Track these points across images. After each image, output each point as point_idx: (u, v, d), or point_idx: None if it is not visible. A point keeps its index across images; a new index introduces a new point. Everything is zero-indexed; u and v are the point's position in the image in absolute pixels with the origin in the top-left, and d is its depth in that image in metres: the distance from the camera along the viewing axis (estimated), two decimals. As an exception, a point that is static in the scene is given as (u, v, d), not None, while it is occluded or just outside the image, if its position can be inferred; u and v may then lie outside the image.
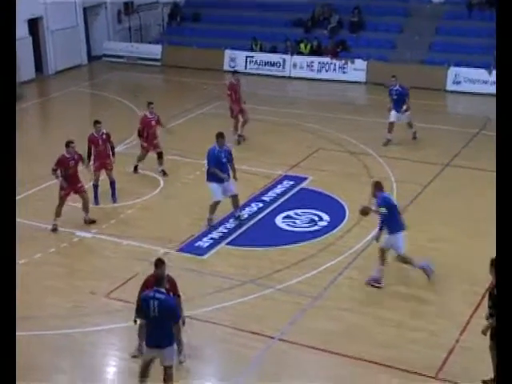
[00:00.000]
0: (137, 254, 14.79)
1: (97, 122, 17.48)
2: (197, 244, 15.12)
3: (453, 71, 26.46)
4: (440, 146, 20.44)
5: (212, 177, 15.61)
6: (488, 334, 9.92)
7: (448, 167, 18.81)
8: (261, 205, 16.91)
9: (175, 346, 10.52)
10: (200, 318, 12.45)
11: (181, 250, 14.91)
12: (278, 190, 17.74)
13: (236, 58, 29.95)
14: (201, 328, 12.28)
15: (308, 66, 28.81)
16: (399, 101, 20.14)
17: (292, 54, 29.26)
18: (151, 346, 10.21)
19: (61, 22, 30.34)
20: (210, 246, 15.01)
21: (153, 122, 18.69)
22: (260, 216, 16.36)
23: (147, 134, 18.63)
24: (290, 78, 28.90)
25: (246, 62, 29.77)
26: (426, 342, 11.60)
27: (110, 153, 17.43)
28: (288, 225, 15.95)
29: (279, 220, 16.16)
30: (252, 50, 30.14)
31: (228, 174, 15.62)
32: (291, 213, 16.48)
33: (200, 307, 12.74)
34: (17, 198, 17.33)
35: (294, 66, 29.00)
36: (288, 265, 14.11)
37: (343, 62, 28.32)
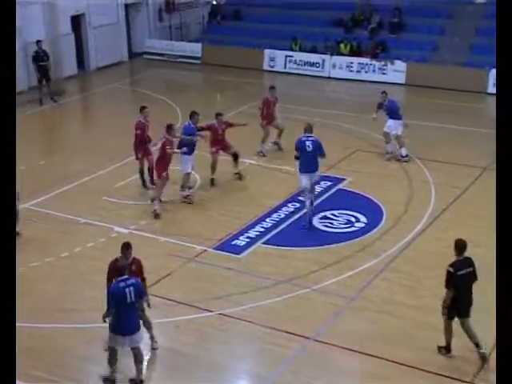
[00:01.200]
0: (174, 251, 14.88)
1: (144, 108, 17.70)
2: (233, 242, 15.16)
3: (494, 73, 26.16)
4: (480, 149, 20.22)
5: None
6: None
7: (487, 171, 18.61)
8: (297, 205, 16.88)
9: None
10: (236, 316, 12.51)
11: (217, 248, 14.96)
12: (316, 190, 17.67)
13: (275, 58, 29.93)
14: (236, 326, 12.34)
15: (347, 66, 28.70)
16: (392, 113, 19.80)
17: (332, 55, 29.17)
18: (127, 333, 10.50)
19: (103, 18, 30.58)
20: (247, 245, 15.04)
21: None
22: (297, 216, 16.35)
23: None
24: (329, 78, 28.81)
25: (286, 61, 29.74)
26: (464, 346, 11.49)
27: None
28: (325, 225, 15.93)
29: (316, 220, 16.13)
30: (292, 49, 30.11)
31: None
32: (328, 213, 16.45)
33: (236, 305, 12.80)
34: (57, 191, 17.74)
35: (334, 66, 28.92)
36: (324, 265, 14.09)
37: (383, 63, 28.15)
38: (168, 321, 12.52)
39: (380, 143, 20.66)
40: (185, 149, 16.82)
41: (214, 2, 34.41)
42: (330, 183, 18.08)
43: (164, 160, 16.50)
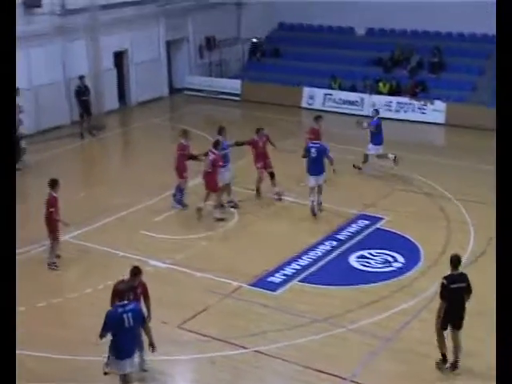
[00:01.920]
0: (209, 286, 14.89)
1: (186, 131, 19.46)
2: (269, 279, 15.14)
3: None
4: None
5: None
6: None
7: (528, 213, 18.36)
8: (335, 243, 16.84)
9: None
10: (270, 354, 12.46)
11: (254, 284, 14.94)
12: (353, 228, 17.66)
13: (314, 96, 30.07)
14: (271, 364, 12.29)
15: (386, 105, 28.70)
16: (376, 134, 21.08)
17: (371, 93, 29.23)
18: (125, 358, 10.71)
19: (144, 54, 31.08)
20: (283, 282, 15.00)
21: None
22: (334, 254, 16.30)
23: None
24: (367, 117, 28.76)
25: (324, 99, 29.85)
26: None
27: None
28: (362, 264, 15.83)
29: (353, 259, 16.05)
30: (331, 87, 30.24)
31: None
32: (365, 252, 16.36)
33: (271, 343, 12.75)
34: (96, 224, 17.91)
35: (372, 105, 28.91)
36: (361, 305, 13.97)
37: (422, 102, 28.12)
38: (203, 356, 12.52)
39: (418, 183, 20.60)
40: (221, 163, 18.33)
41: (254, 40, 34.78)
42: (367, 222, 18.01)
43: (216, 174, 18.01)
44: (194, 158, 18.81)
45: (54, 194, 15.80)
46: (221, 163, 18.14)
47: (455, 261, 11.70)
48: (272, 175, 19.51)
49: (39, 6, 26.02)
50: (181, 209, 18.98)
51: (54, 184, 15.85)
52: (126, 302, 10.74)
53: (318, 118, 21.26)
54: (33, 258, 16.44)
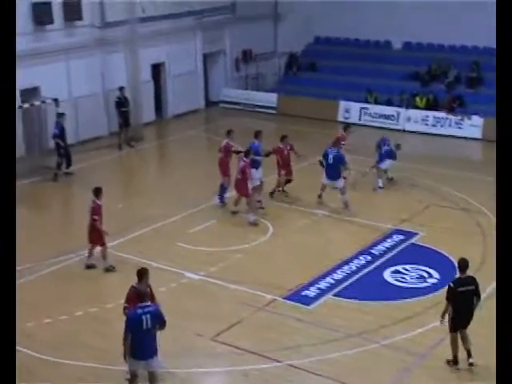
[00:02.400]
0: (243, 298, 14.95)
1: (230, 131, 20.30)
2: (303, 293, 15.15)
3: None
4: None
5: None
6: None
7: None
8: (369, 258, 16.80)
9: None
10: (303, 368, 12.47)
11: (288, 298, 14.96)
12: (388, 243, 17.59)
13: (350, 109, 30.06)
14: (304, 378, 12.30)
15: (423, 120, 28.58)
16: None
17: (407, 108, 29.13)
18: (142, 358, 10.96)
19: (181, 67, 31.34)
20: (317, 296, 15.00)
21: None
22: (368, 269, 16.26)
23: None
24: (403, 131, 28.72)
25: (360, 113, 29.82)
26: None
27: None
28: (397, 280, 15.76)
29: (388, 274, 15.99)
30: (367, 101, 30.21)
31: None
32: (400, 268, 16.29)
33: (304, 357, 12.76)
34: (132, 235, 18.08)
35: (409, 119, 28.85)
36: (395, 321, 13.91)
37: (459, 117, 27.94)
38: (236, 369, 12.56)
39: (455, 199, 20.48)
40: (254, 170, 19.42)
41: (292, 51, 34.78)
42: (402, 237, 17.94)
43: (246, 180, 18.74)
44: (238, 152, 19.94)
45: (99, 202, 16.10)
46: (248, 170, 18.96)
47: (463, 265, 12.14)
48: (289, 181, 20.72)
49: (80, 18, 26.45)
50: (221, 205, 20.01)
51: (98, 192, 16.14)
52: (145, 304, 10.99)
53: (347, 128, 22.35)
54: (70, 268, 16.66)
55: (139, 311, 10.92)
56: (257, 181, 19.67)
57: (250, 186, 18.91)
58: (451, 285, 12.07)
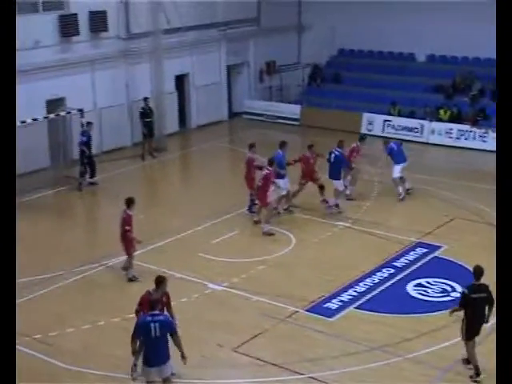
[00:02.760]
0: (266, 310, 14.93)
1: (252, 145, 20.45)
2: (325, 305, 15.10)
3: None
4: None
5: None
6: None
7: None
8: (392, 270, 16.73)
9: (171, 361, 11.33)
10: (325, 381, 12.41)
11: (310, 310, 14.92)
12: (411, 256, 17.51)
13: (374, 122, 29.99)
14: (326, 391, 12.23)
15: (447, 132, 28.44)
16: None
17: (431, 120, 29.01)
18: (153, 365, 11.07)
19: (205, 78, 31.51)
20: (339, 309, 14.95)
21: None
22: (391, 282, 16.18)
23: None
24: (427, 144, 28.61)
25: (384, 125, 29.74)
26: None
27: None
28: (419, 293, 15.67)
29: (410, 287, 15.90)
30: (390, 114, 30.13)
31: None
32: (423, 281, 16.19)
33: (326, 369, 12.71)
34: (154, 245, 18.14)
35: (432, 132, 28.72)
36: (418, 334, 13.82)
37: (483, 130, 27.76)
38: (258, 381, 12.54)
39: (479, 212, 20.32)
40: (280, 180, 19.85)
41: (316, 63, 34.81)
42: (425, 250, 17.84)
43: (267, 190, 18.95)
44: (260, 168, 19.83)
45: (130, 213, 16.25)
46: (273, 179, 19.20)
47: (478, 272, 12.27)
48: (322, 187, 20.53)
49: (105, 30, 26.69)
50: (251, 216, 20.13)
51: (130, 203, 16.30)
52: (156, 312, 11.10)
53: (362, 139, 22.44)
54: (94, 277, 16.76)
55: (148, 319, 11.03)
56: (283, 190, 20.06)
57: (269, 195, 19.12)
58: (465, 291, 12.16)
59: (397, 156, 21.63)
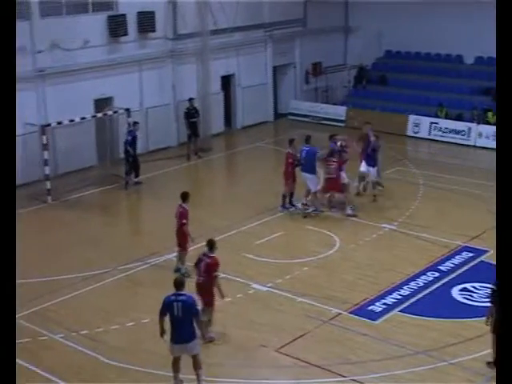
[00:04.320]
0: (309, 311, 14.91)
1: (293, 140, 20.68)
2: (370, 308, 15.02)
3: None
4: None
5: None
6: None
7: None
8: (437, 274, 16.57)
9: (198, 339, 11.95)
10: (368, 384, 12.36)
11: (353, 312, 14.86)
12: (456, 260, 17.32)
13: (420, 124, 29.71)
14: (368, 394, 12.17)
15: (494, 136, 28.04)
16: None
17: (478, 123, 28.64)
18: (178, 343, 11.66)
19: (251, 79, 31.59)
20: (383, 312, 14.85)
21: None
22: (436, 286, 16.02)
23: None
24: (474, 147, 28.25)
25: (430, 128, 29.45)
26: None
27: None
28: (465, 298, 15.49)
29: (455, 292, 15.73)
30: (437, 116, 29.82)
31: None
32: (469, 285, 16.01)
33: (369, 373, 12.64)
34: (199, 245, 18.19)
35: (480, 135, 28.34)
36: (463, 339, 13.66)
37: (532, 133, 27.30)
38: (300, 382, 12.53)
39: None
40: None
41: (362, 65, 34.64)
42: (471, 254, 17.63)
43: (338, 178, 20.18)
44: (298, 165, 20.30)
45: (186, 207, 16.43)
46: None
47: None
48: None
49: (153, 30, 26.94)
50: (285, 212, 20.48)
51: (185, 197, 16.51)
52: (181, 292, 11.65)
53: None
54: (139, 275, 16.95)
55: (172, 298, 11.60)
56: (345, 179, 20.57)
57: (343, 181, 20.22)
58: (495, 288, 12.10)
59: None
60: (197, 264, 13.81)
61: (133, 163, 23.55)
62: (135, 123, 23.87)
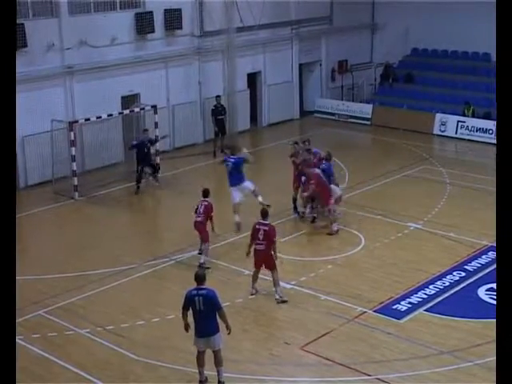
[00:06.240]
0: (334, 309, 14.90)
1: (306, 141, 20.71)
2: (395, 307, 14.98)
3: None
4: None
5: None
6: None
7: None
8: (463, 274, 16.48)
9: (221, 333, 11.89)
10: (392, 383, 12.30)
11: (378, 311, 14.83)
12: (483, 260, 17.21)
13: (447, 122, 29.54)
14: (393, 393, 12.15)
15: (522, 134, 27.80)
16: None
17: (506, 122, 28.37)
18: (202, 336, 11.75)
19: (277, 77, 31.62)
20: (408, 311, 14.80)
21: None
22: (462, 285, 15.94)
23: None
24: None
25: (457, 126, 29.26)
26: None
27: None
28: (491, 298, 15.37)
29: (482, 292, 15.64)
30: (464, 115, 29.63)
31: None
32: (495, 285, 15.91)
33: (394, 372, 12.61)
34: (225, 241, 18.29)
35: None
36: (489, 340, 13.54)
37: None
38: (324, 380, 12.53)
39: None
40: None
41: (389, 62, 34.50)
42: (498, 254, 17.50)
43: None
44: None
45: (210, 201, 16.98)
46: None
47: None
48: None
49: (180, 27, 27.04)
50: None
51: (207, 193, 17.14)
52: (201, 286, 11.73)
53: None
54: (164, 271, 17.04)
55: (193, 292, 11.70)
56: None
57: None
58: None
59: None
60: (253, 233, 15.15)
61: (142, 169, 22.99)
62: (145, 130, 23.56)
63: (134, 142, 23.17)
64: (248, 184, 19.11)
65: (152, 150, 23.42)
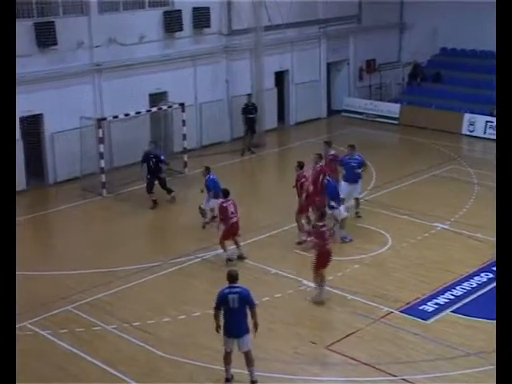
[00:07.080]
0: (360, 309, 14.87)
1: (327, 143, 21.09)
2: (421, 307, 14.92)
3: None
4: None
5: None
6: None
7: None
8: (491, 275, 16.34)
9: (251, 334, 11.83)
10: (419, 384, 12.29)
11: (404, 311, 14.77)
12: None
13: (475, 122, 29.31)
14: (419, 394, 12.10)
15: (552, 135, 27.52)
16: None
17: (535, 122, 28.11)
18: (231, 336, 11.73)
19: (305, 75, 31.58)
20: (435, 312, 14.73)
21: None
22: (489, 287, 15.80)
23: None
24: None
25: (486, 126, 29.02)
26: None
27: None
28: (519, 300, 15.26)
29: (509, 293, 15.50)
30: (492, 114, 29.34)
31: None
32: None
33: (420, 373, 12.57)
34: (250, 240, 18.32)
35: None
36: (516, 342, 13.47)
37: None
38: (350, 380, 12.52)
39: None
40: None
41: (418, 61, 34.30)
42: (526, 256, 17.34)
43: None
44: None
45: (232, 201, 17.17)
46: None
47: None
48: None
49: (208, 26, 27.11)
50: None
51: (227, 193, 17.24)
52: (235, 284, 11.74)
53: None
54: (190, 268, 17.11)
55: (226, 291, 11.69)
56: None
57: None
58: None
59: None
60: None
61: (151, 181, 21.65)
62: (151, 142, 22.46)
63: (141, 159, 21.83)
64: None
65: (163, 167, 21.98)
